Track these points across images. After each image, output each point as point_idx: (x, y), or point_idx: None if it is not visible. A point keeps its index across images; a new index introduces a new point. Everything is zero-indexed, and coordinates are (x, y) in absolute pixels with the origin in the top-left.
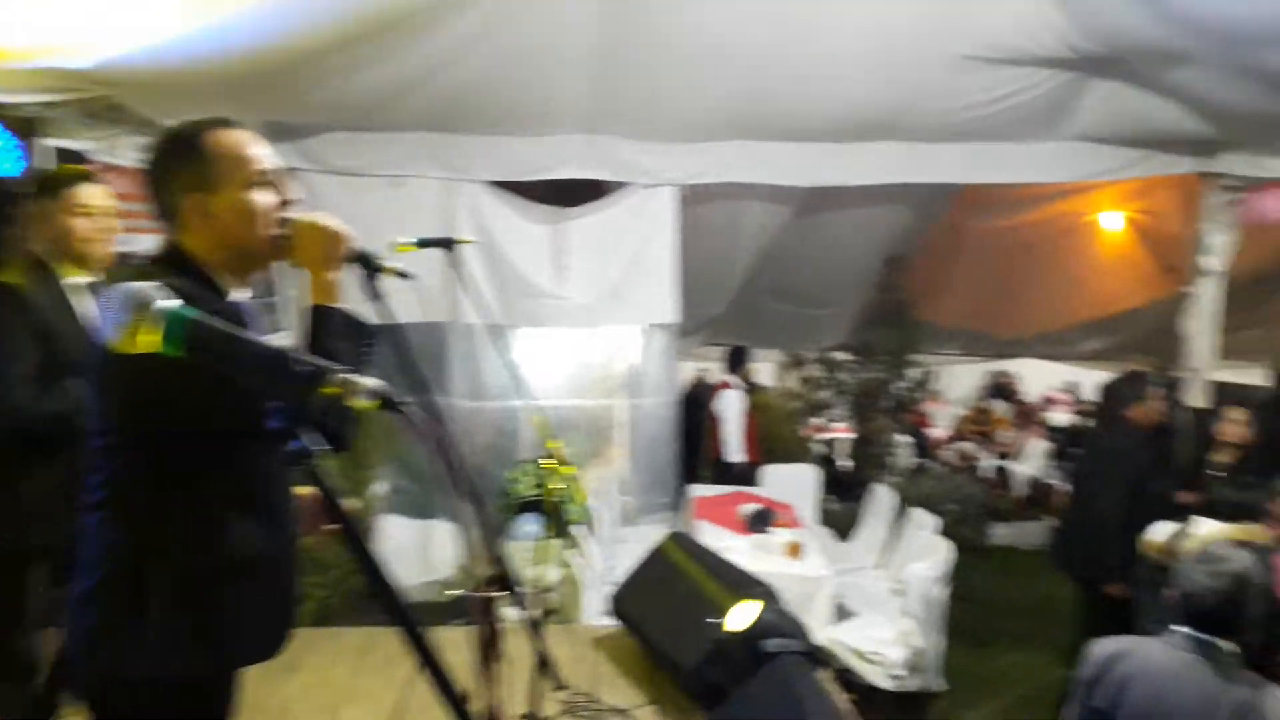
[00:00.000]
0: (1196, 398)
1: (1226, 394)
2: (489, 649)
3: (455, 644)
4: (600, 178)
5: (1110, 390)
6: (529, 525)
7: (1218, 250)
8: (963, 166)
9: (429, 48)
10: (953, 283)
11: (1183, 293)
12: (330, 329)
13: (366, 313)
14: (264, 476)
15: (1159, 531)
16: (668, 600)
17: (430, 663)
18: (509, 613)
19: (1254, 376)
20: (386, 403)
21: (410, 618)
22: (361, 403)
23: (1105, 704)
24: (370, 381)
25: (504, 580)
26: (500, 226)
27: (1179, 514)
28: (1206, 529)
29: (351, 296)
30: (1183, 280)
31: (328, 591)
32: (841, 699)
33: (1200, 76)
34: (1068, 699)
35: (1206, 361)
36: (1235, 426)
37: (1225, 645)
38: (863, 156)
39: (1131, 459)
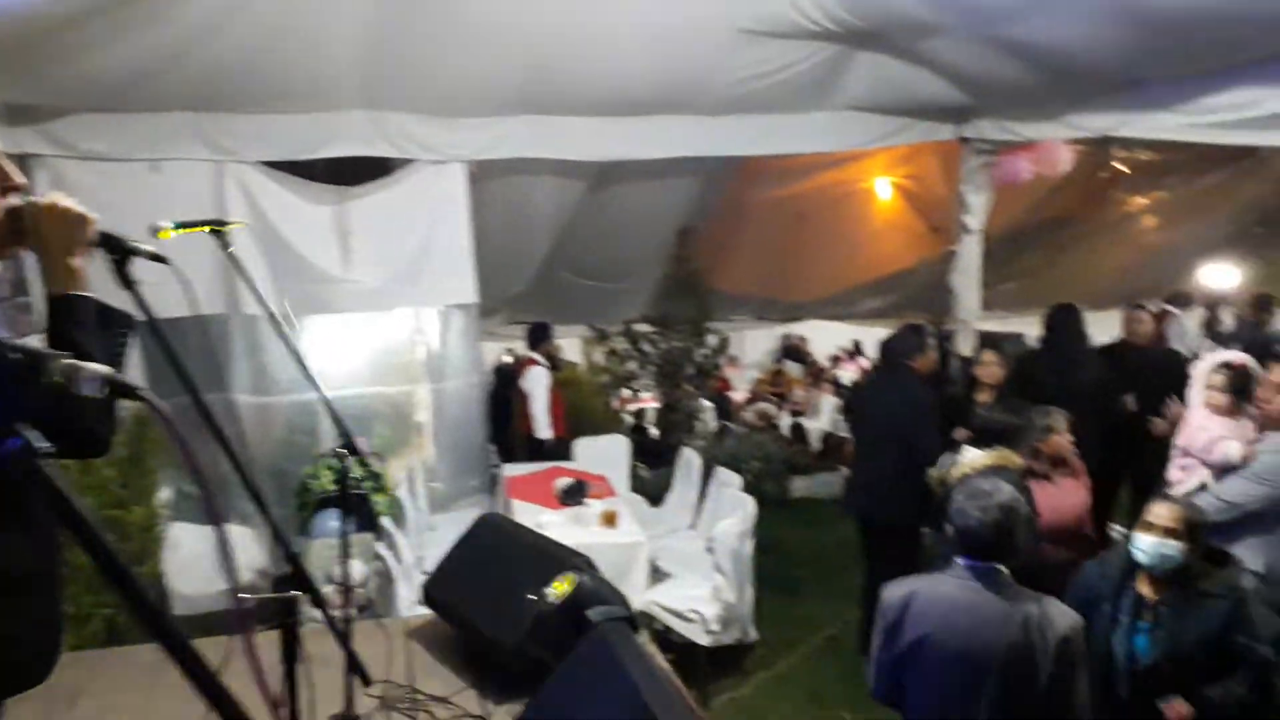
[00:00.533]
0: (966, 346)
1: (987, 341)
2: (288, 653)
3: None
4: (382, 155)
5: (887, 344)
6: (332, 521)
7: (976, 210)
8: (745, 138)
9: (182, 20)
10: (740, 251)
11: (949, 251)
12: (76, 319)
13: (126, 305)
14: (13, 486)
15: (941, 464)
16: (483, 582)
17: (200, 678)
18: (312, 613)
19: (1014, 325)
20: (120, 389)
21: (171, 629)
22: (88, 391)
23: (908, 644)
24: (97, 366)
25: (301, 580)
26: (277, 209)
27: (956, 448)
28: (969, 456)
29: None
30: (948, 240)
31: (113, 609)
32: (662, 660)
33: (952, 47)
34: (872, 648)
35: (973, 313)
36: (989, 368)
37: (1002, 569)
38: (650, 130)
39: (914, 405)
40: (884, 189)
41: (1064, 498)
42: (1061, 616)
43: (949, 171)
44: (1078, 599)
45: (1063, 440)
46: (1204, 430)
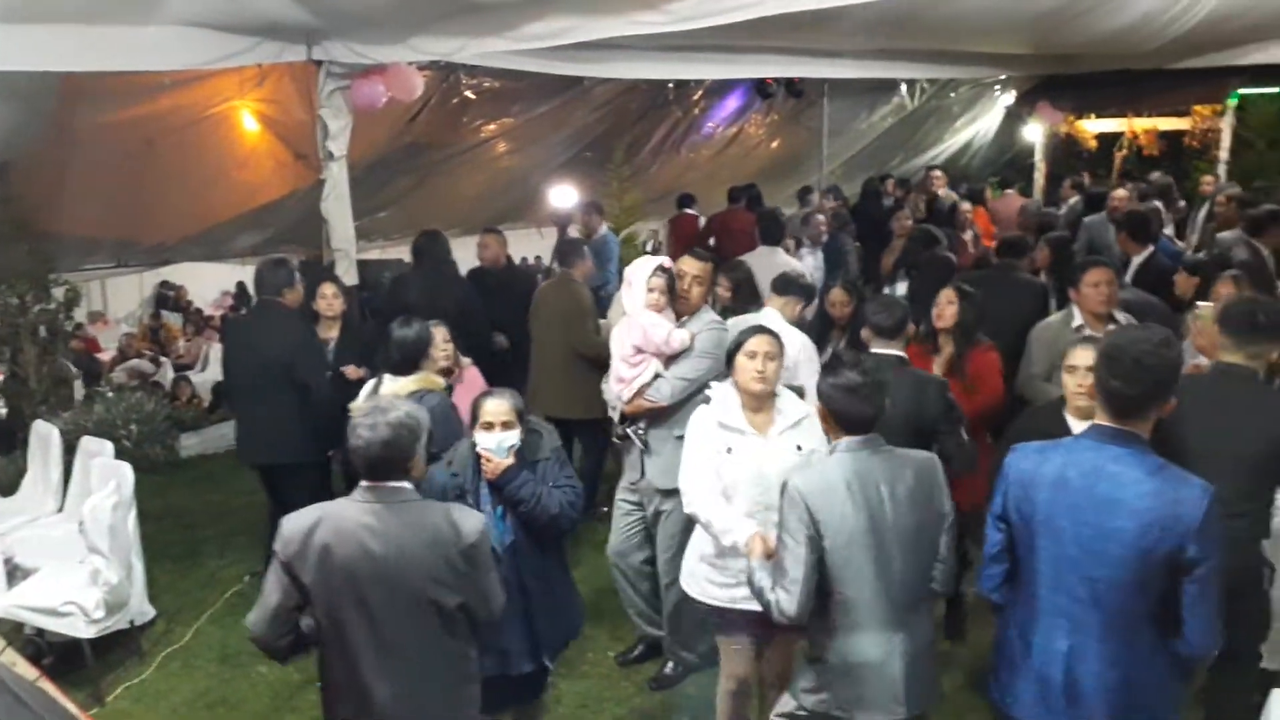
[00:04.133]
0: (348, 277)
1: (368, 271)
2: None
3: None
4: None
5: (256, 281)
6: None
7: (338, 136)
8: (59, 53)
9: None
10: (81, 186)
11: (319, 180)
12: None
13: None
14: None
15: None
16: None
17: None
18: None
19: (396, 252)
20: None
21: None
22: None
23: (311, 575)
24: None
25: None
26: None
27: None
28: (390, 384)
29: None
30: (315, 168)
31: None
32: (26, 668)
33: None
34: (265, 592)
35: (349, 242)
36: (326, 300)
37: (404, 484)
38: None
39: (297, 341)
40: (242, 114)
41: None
42: (467, 519)
43: (307, 95)
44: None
45: (436, 351)
46: (659, 327)
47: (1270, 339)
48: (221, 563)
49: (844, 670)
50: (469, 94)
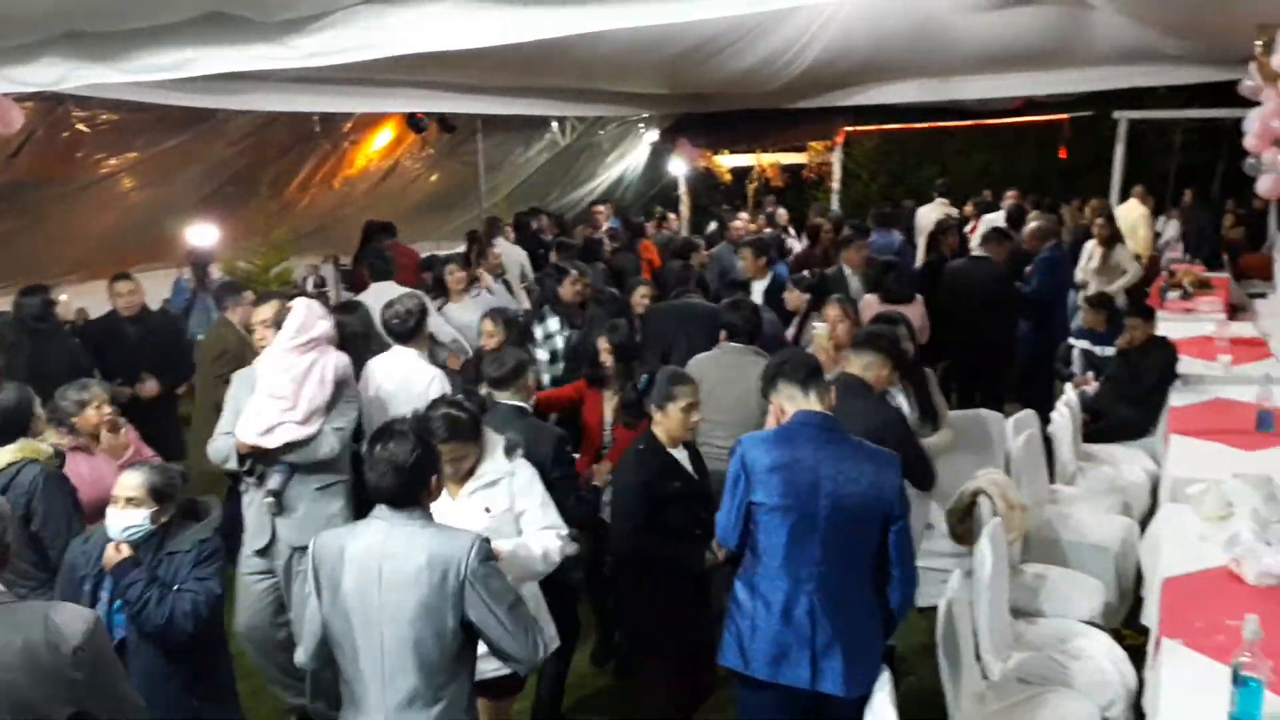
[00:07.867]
0: None
1: None
2: None
3: None
4: None
5: None
6: None
7: None
8: None
9: None
10: None
11: None
12: None
13: None
14: None
15: None
16: None
17: None
18: None
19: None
20: None
21: None
22: None
23: None
24: None
25: None
26: None
27: None
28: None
29: None
30: None
31: None
32: None
33: None
34: None
35: None
36: None
37: None
38: None
39: None
40: None
41: (107, 470)
42: (69, 618)
43: None
44: (66, 579)
45: (94, 415)
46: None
47: (877, 354)
48: None
49: None
50: (82, 127)
